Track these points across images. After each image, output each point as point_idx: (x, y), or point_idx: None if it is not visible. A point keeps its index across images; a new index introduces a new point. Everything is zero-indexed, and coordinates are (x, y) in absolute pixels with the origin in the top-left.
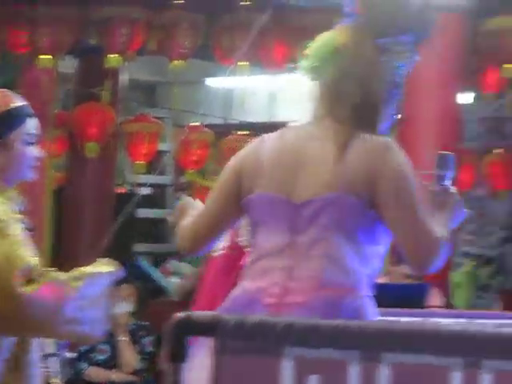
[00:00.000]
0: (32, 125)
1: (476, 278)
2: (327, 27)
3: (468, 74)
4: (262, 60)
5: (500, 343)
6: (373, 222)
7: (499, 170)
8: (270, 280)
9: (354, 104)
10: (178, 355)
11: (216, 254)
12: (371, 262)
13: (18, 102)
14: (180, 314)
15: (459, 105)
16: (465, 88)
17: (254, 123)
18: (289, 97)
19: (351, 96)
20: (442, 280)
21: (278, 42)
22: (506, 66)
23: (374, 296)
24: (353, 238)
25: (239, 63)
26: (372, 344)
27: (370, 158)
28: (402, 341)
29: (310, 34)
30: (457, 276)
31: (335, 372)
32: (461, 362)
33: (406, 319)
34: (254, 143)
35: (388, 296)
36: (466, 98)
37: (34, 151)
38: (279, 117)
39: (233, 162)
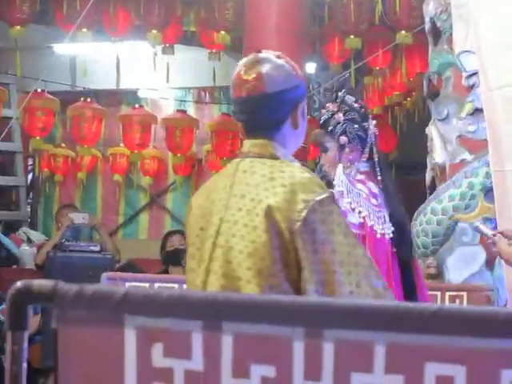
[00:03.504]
0: None
1: None
2: None
3: (312, 44)
4: (104, 26)
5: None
6: None
7: None
8: None
9: None
10: (18, 324)
11: (378, 235)
12: None
13: None
14: (20, 282)
15: (304, 74)
16: (309, 58)
17: (99, 90)
18: (133, 64)
19: None
20: None
21: (119, 8)
22: (350, 36)
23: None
24: None
25: (82, 30)
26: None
27: None
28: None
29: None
30: None
31: (178, 340)
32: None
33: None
34: None
35: None
36: (310, 68)
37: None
38: (124, 84)
39: None
